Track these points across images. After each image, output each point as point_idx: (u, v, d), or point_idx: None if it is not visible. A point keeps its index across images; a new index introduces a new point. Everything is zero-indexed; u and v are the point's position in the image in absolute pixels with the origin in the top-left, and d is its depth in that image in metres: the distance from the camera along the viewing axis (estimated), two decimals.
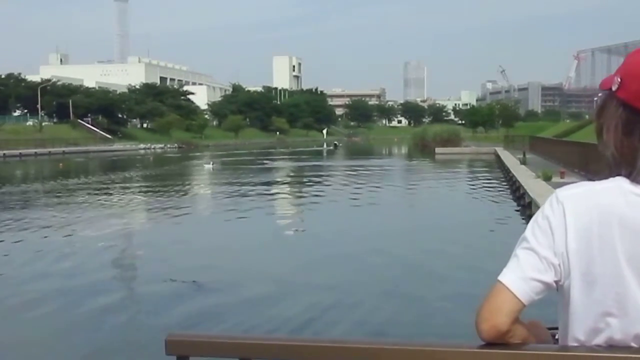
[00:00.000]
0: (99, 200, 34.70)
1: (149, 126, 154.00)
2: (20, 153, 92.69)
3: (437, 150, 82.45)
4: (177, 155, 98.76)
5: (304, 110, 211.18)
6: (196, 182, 49.77)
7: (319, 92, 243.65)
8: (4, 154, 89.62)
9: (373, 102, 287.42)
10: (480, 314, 1.86)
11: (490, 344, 1.84)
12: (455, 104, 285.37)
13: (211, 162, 64.51)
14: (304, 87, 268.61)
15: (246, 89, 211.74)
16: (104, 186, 43.46)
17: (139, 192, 40.22)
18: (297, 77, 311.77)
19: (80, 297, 13.92)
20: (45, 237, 21.95)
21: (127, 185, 44.91)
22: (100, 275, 16.10)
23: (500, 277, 1.88)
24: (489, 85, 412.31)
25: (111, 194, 37.69)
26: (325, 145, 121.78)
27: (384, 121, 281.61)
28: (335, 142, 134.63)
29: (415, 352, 1.88)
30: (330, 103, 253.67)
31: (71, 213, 28.54)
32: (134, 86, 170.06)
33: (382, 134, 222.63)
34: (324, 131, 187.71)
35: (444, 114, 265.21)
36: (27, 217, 26.80)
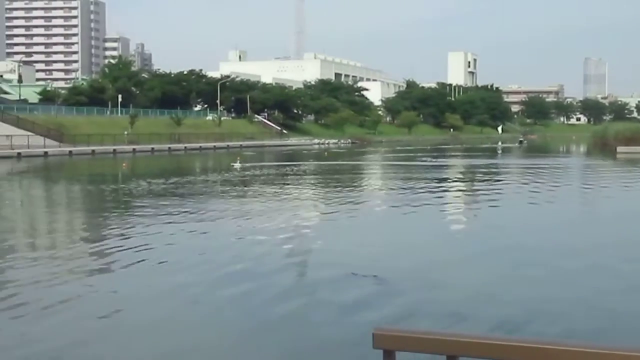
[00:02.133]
0: (274, 191, 34.85)
1: (323, 122, 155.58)
2: (200, 146, 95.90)
3: (619, 149, 78.22)
4: (351, 150, 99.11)
5: (479, 107, 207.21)
6: (368, 177, 49.32)
7: (494, 89, 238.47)
8: (185, 147, 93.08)
9: (550, 98, 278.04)
10: None
11: None
12: (639, 101, 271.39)
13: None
14: (479, 84, 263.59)
15: (420, 85, 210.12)
16: (279, 179, 43.80)
17: (317, 184, 40.19)
18: (472, 73, 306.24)
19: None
20: (239, 225, 22.50)
21: (307, 178, 45.12)
22: (280, 269, 15.69)
23: None
24: None
25: (288, 186, 37.85)
26: (500, 143, 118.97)
27: (561, 118, 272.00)
28: (521, 139, 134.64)
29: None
30: (506, 100, 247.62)
31: (244, 205, 28.63)
32: (310, 82, 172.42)
33: (559, 132, 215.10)
34: (499, 128, 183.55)
35: (626, 111, 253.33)
36: (216, 207, 27.04)
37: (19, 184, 43.22)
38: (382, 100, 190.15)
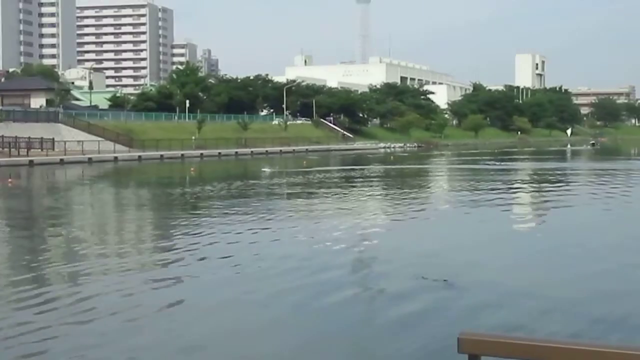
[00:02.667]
0: (342, 194, 34.80)
1: (388, 125, 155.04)
2: (266, 151, 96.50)
3: None
4: (417, 153, 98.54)
5: (547, 110, 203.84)
6: (435, 180, 48.93)
7: (563, 91, 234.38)
8: (252, 151, 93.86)
9: (621, 100, 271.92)
10: None
11: None
12: None
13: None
14: (547, 85, 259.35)
15: (487, 88, 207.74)
16: (346, 182, 43.76)
17: (383, 188, 40.04)
18: (540, 75, 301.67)
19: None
20: (317, 223, 22.24)
21: (373, 181, 45.01)
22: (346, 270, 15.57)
23: None
24: None
25: (354, 189, 37.78)
26: (569, 146, 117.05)
27: (632, 121, 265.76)
28: (593, 142, 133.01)
29: None
30: (575, 102, 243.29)
31: (315, 208, 28.63)
32: (375, 86, 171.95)
33: (630, 134, 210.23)
34: (568, 131, 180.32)
35: None
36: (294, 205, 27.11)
37: (98, 188, 43.83)
38: (448, 104, 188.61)
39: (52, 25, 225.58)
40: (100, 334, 10.90)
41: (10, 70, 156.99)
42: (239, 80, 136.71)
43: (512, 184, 43.66)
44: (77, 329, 11.30)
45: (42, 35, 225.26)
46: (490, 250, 19.17)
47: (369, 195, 35.45)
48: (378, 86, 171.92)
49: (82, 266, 16.60)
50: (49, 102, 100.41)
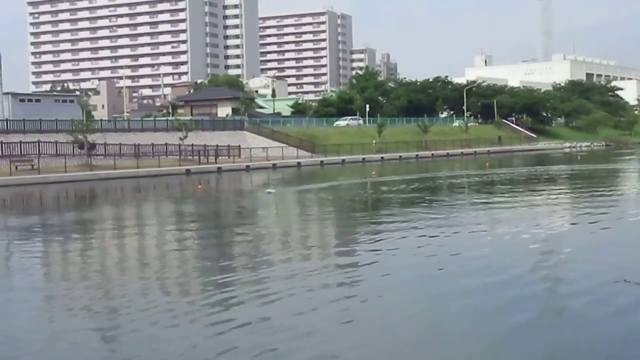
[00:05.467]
0: (530, 194, 33.82)
1: (573, 124, 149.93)
2: (447, 153, 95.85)
3: None
4: (605, 153, 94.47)
5: None
6: (628, 181, 46.59)
7: None
8: (432, 154, 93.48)
9: None
10: None
11: None
12: None
13: None
14: None
15: None
16: (531, 183, 42.60)
17: (572, 189, 38.61)
18: None
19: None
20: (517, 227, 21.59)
21: (561, 182, 43.58)
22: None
23: None
24: None
25: (543, 190, 36.64)
26: None
27: None
28: None
29: None
30: None
31: (510, 207, 27.92)
32: (559, 84, 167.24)
33: None
34: None
35: None
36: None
37: (296, 192, 44.33)
38: (638, 100, 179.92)
39: (236, 36, 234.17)
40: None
41: (199, 81, 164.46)
42: (418, 83, 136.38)
43: None
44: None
45: (227, 47, 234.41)
46: None
47: (558, 196, 34.17)
48: (562, 84, 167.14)
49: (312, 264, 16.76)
50: (234, 111, 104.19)
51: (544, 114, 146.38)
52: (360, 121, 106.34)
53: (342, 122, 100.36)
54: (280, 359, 9.92)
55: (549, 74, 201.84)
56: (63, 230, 26.13)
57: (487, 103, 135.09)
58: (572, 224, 24.55)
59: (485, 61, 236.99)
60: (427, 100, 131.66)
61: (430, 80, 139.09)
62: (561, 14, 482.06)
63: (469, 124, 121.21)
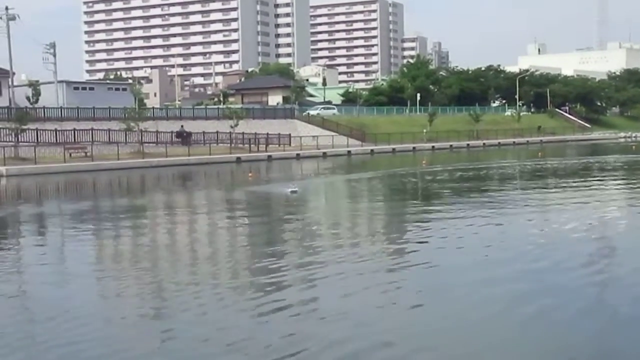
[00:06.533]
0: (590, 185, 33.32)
1: (629, 114, 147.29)
2: (499, 142, 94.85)
3: None
4: None
5: None
6: None
7: None
8: (484, 143, 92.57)
9: None
10: None
11: None
12: None
13: None
14: None
15: None
16: (587, 173, 42.01)
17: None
18: None
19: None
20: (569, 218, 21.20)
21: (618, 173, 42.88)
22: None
23: None
24: None
25: (598, 181, 36.10)
26: None
27: None
28: None
29: None
30: None
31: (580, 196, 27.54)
32: (614, 73, 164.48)
33: None
34: None
35: None
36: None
37: (354, 180, 44.17)
38: None
39: (288, 25, 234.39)
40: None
41: (250, 70, 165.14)
42: (469, 72, 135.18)
43: None
44: None
45: (278, 36, 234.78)
46: None
47: (615, 187, 33.62)
48: (617, 73, 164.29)
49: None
50: (285, 99, 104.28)
51: (598, 104, 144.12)
52: (335, 110, 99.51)
53: (313, 112, 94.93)
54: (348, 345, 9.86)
55: (603, 62, 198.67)
56: (123, 216, 26.32)
57: (540, 92, 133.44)
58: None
59: (539, 49, 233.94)
60: (479, 89, 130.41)
61: (482, 69, 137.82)
62: (617, 2, 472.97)
63: (521, 114, 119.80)
